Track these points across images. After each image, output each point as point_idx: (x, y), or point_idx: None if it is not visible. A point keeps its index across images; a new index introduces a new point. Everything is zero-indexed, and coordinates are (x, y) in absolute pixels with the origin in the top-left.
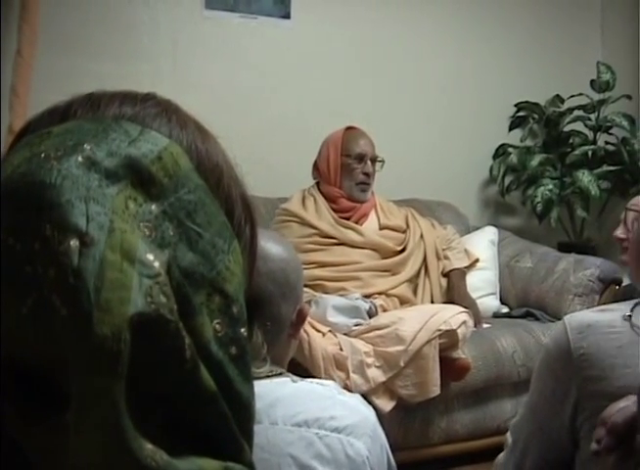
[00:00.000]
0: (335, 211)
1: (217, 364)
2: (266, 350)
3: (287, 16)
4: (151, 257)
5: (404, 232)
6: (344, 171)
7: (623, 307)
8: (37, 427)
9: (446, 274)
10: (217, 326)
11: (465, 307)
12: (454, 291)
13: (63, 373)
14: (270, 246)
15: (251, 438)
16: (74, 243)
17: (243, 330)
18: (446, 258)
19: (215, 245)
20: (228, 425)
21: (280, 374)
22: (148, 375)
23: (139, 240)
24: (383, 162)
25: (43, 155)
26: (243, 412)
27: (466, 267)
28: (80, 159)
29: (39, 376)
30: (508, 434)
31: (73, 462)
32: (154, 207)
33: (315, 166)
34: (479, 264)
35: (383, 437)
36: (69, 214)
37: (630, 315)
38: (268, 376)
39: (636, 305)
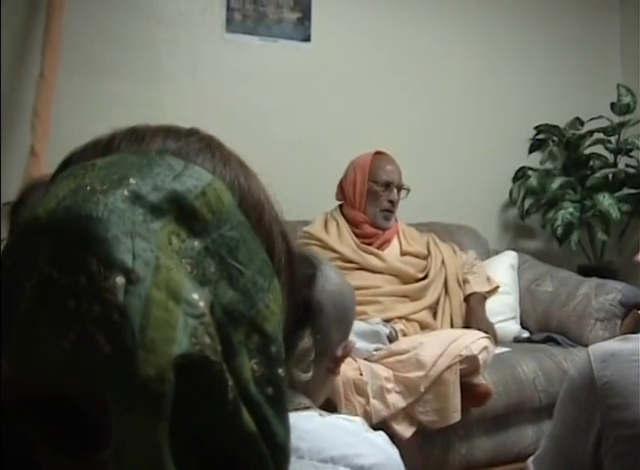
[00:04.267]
0: (357, 235)
1: (255, 405)
2: (313, 357)
3: (307, 39)
4: (196, 296)
5: (425, 259)
6: (370, 197)
7: None
8: (72, 462)
9: (466, 298)
10: (255, 366)
11: (484, 332)
12: (472, 314)
13: (102, 410)
14: (335, 274)
15: None
16: (120, 280)
17: (280, 370)
18: (466, 281)
19: (256, 283)
20: (266, 466)
21: (308, 408)
22: (190, 416)
23: (184, 278)
24: (408, 190)
25: (89, 188)
26: (279, 453)
27: (487, 293)
28: (126, 193)
29: (76, 411)
30: (528, 461)
31: None
32: (196, 243)
33: (340, 188)
34: (499, 289)
35: None
36: (116, 250)
37: None
38: (296, 409)
39: None
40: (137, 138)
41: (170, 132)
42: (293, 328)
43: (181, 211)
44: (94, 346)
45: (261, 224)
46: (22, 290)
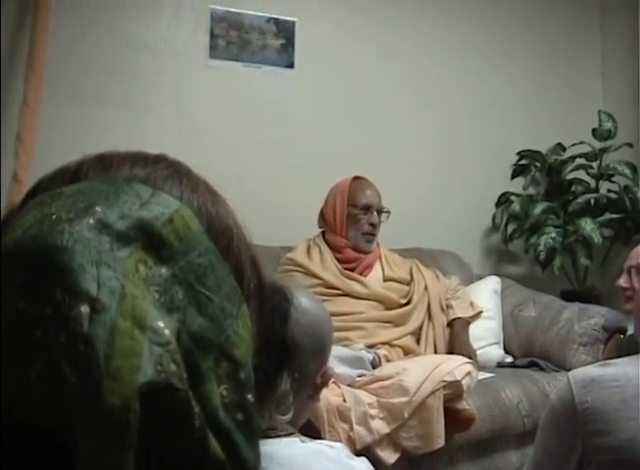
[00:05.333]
0: (339, 261)
1: (225, 432)
2: (292, 399)
3: (290, 65)
4: (161, 324)
5: (408, 284)
6: (350, 221)
7: (627, 361)
8: None
9: (449, 323)
10: (224, 392)
11: (467, 357)
12: (455, 340)
13: (70, 439)
14: (310, 302)
15: None
16: (85, 309)
17: (250, 396)
18: (450, 307)
19: (225, 309)
20: None
21: (290, 434)
22: (156, 444)
23: (150, 306)
24: (389, 213)
25: (54, 217)
26: None
27: (470, 318)
28: (92, 221)
29: (45, 440)
30: None
31: None
32: (164, 270)
33: (321, 215)
34: (482, 314)
35: None
36: (81, 279)
37: None
38: (278, 436)
39: None
40: (105, 165)
41: (138, 159)
42: (270, 372)
43: (148, 239)
44: (60, 376)
45: (230, 250)
46: None
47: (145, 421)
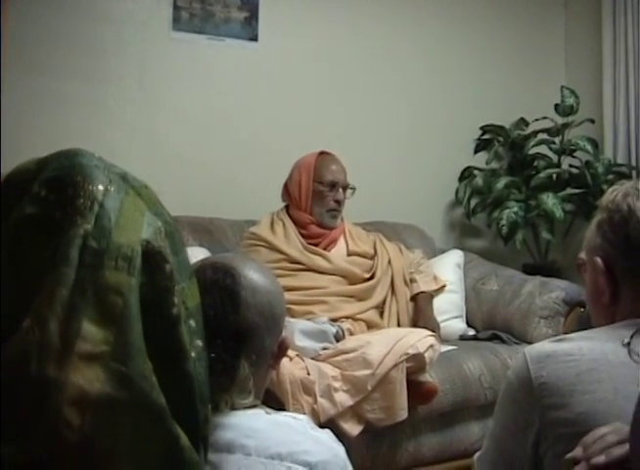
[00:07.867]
0: (304, 236)
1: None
2: (252, 382)
3: (254, 38)
4: (154, 217)
5: (372, 258)
6: (316, 198)
7: (582, 336)
8: None
9: (413, 297)
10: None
11: (431, 330)
12: (420, 314)
13: None
14: (258, 278)
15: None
16: (100, 187)
17: (199, 341)
18: (414, 281)
19: (185, 265)
20: (191, 384)
21: (254, 406)
22: (146, 307)
23: (146, 208)
24: (354, 189)
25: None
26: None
27: (434, 291)
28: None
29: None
30: (475, 457)
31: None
32: (149, 213)
33: (286, 190)
34: (445, 287)
35: None
36: (97, 172)
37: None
38: (243, 408)
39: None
40: None
41: None
42: (228, 362)
43: (133, 188)
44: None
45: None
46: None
47: (142, 280)
